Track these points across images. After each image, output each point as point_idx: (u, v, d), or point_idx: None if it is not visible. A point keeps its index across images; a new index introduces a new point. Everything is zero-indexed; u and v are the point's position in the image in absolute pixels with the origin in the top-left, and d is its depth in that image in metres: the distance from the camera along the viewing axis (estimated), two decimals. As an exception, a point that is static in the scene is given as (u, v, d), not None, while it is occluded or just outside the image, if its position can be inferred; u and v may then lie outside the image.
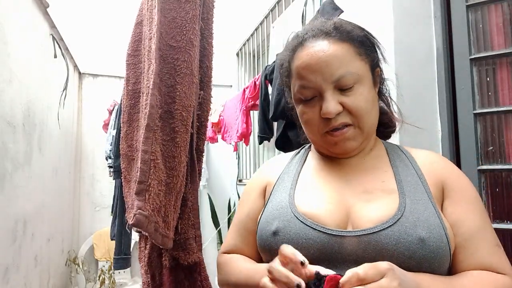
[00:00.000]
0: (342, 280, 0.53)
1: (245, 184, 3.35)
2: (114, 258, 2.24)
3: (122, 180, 0.56)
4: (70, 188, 3.40)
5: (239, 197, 3.38)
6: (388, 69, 1.49)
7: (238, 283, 0.77)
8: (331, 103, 0.71)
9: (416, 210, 0.67)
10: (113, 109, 3.14)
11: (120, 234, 2.21)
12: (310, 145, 0.90)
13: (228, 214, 3.48)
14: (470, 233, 0.69)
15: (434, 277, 0.64)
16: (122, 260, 2.24)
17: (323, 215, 0.70)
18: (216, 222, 3.54)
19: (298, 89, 0.77)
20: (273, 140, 2.39)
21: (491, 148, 1.39)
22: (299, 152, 0.91)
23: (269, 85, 2.18)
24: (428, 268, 0.64)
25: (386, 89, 0.88)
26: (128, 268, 2.64)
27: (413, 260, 0.63)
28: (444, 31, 1.55)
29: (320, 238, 0.67)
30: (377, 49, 0.81)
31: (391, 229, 0.65)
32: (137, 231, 0.42)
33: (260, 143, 2.33)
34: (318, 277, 0.55)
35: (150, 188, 0.41)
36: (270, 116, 2.09)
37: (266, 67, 2.21)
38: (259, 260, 0.81)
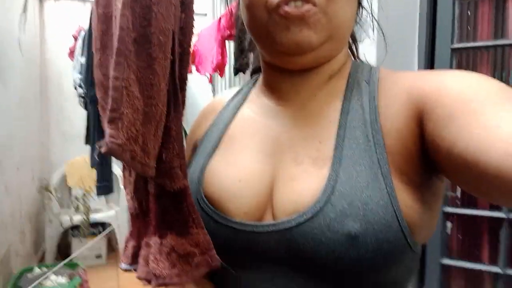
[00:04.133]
0: None
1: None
2: (96, 185, 2.29)
3: (99, 109, 0.54)
4: (37, 117, 3.29)
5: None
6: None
7: None
8: None
9: (350, 191, 0.46)
10: (78, 35, 2.97)
11: (101, 162, 2.21)
12: (257, 79, 0.68)
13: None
14: (476, 121, 0.39)
15: None
16: (104, 186, 2.29)
17: (230, 200, 0.52)
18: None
19: None
20: (249, 72, 2.34)
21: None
22: (241, 89, 0.68)
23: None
24: (364, 270, 0.46)
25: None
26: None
27: (341, 264, 0.45)
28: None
29: (224, 233, 0.51)
30: None
31: (309, 223, 0.46)
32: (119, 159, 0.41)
33: (235, 74, 2.29)
34: None
35: (123, 117, 0.39)
36: (246, 47, 2.02)
37: (243, -7, 2.09)
38: None
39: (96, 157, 2.15)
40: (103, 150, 0.37)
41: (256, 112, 0.61)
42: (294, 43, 0.49)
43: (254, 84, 0.68)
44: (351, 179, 0.47)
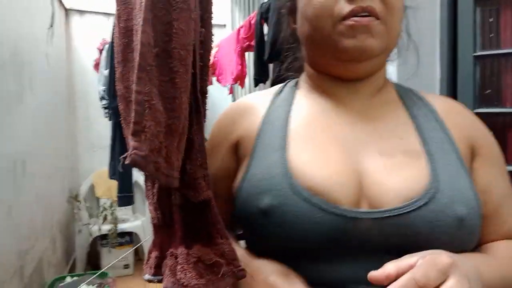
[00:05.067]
0: None
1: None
2: (117, 196, 2.32)
3: (122, 121, 0.56)
4: (65, 128, 3.39)
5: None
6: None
7: None
8: None
9: (451, 180, 0.53)
10: (103, 48, 3.05)
11: (122, 173, 2.26)
12: (297, 82, 0.70)
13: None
14: (500, 201, 0.58)
15: (484, 261, 0.52)
16: (125, 197, 2.32)
17: (335, 189, 0.52)
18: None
19: None
20: (269, 82, 2.35)
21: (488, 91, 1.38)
22: (281, 91, 0.69)
23: (265, 24, 2.11)
24: (461, 250, 0.51)
25: None
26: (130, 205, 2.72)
27: (449, 245, 0.49)
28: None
29: (332, 222, 0.50)
30: None
31: (426, 208, 0.50)
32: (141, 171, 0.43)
33: (255, 85, 2.31)
34: None
35: (146, 129, 0.41)
36: (265, 57, 2.04)
37: (262, 4, 2.12)
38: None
39: (119, 169, 2.19)
40: (126, 161, 0.39)
41: (316, 111, 0.63)
42: (360, 49, 0.55)
43: (296, 85, 0.69)
44: (447, 170, 0.54)
